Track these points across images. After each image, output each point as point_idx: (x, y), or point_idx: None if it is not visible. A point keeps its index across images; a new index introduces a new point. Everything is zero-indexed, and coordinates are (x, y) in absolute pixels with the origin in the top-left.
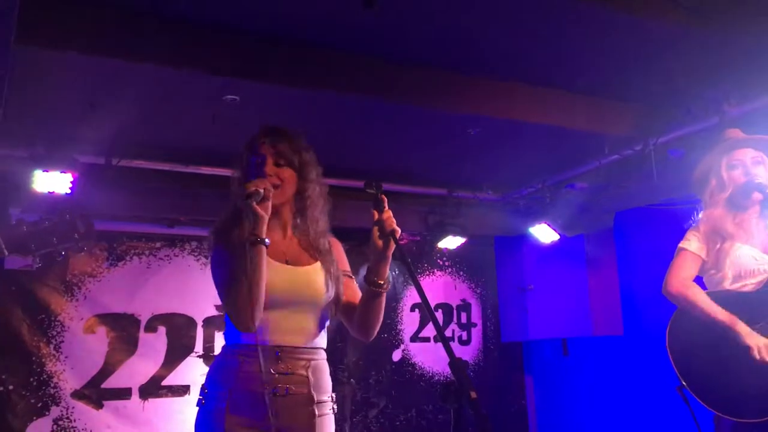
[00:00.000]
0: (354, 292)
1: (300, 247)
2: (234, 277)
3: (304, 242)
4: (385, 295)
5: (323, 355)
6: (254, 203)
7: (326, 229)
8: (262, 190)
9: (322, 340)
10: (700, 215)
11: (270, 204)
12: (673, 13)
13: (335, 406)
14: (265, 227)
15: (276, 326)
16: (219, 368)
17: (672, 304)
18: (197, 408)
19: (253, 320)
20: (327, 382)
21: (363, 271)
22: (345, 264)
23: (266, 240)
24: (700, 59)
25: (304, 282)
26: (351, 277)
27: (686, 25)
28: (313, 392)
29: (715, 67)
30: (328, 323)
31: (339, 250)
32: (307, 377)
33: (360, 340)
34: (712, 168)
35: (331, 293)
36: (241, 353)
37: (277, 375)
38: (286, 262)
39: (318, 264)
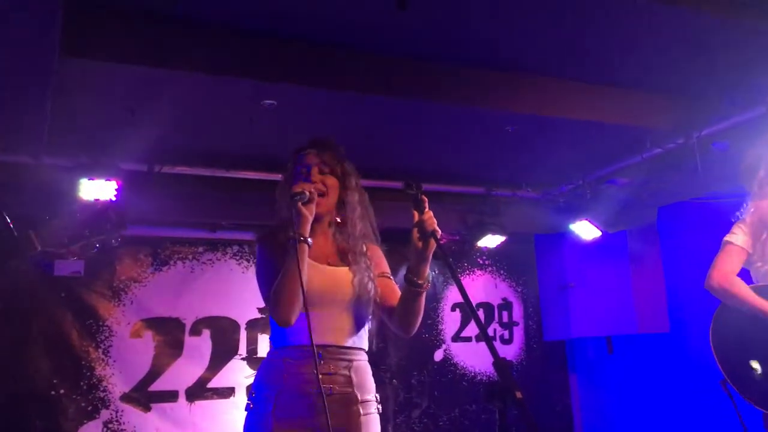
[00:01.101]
0: (393, 291)
1: (339, 250)
2: (276, 273)
3: (344, 246)
4: (425, 294)
5: (365, 356)
6: (300, 203)
7: (364, 233)
8: (308, 192)
9: (362, 340)
10: (748, 206)
11: (314, 206)
12: (716, 2)
13: (380, 407)
14: (309, 227)
15: (317, 326)
16: (265, 371)
17: (719, 301)
18: (246, 412)
19: (293, 314)
20: (370, 382)
21: (403, 271)
22: (384, 266)
23: (309, 240)
24: (743, 48)
25: (343, 282)
26: (389, 277)
27: (728, 13)
28: (356, 392)
29: (760, 55)
30: (368, 325)
31: (377, 253)
32: (350, 377)
33: (401, 340)
34: (762, 158)
35: (369, 295)
36: (287, 355)
37: (321, 375)
38: (327, 264)
39: (356, 266)
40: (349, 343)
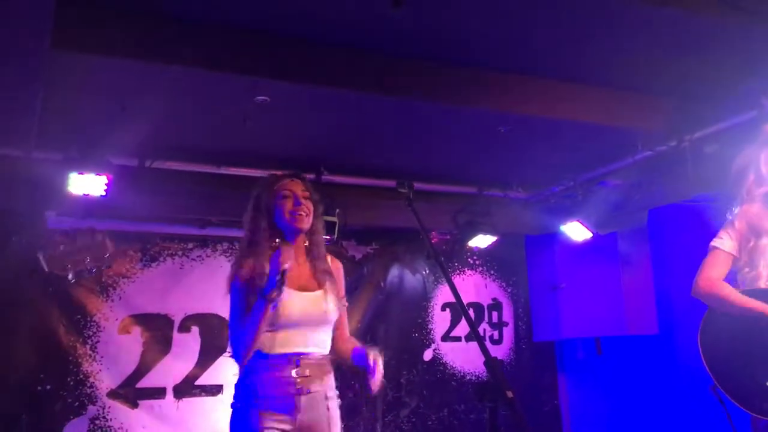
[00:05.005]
0: (342, 318)
1: (310, 273)
2: (241, 314)
3: (313, 268)
4: None
5: (329, 359)
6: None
7: (324, 254)
8: (287, 266)
9: (328, 347)
10: (736, 211)
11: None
12: (709, 5)
13: (339, 401)
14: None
15: (296, 341)
16: (249, 375)
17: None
18: (231, 410)
19: (246, 358)
20: (333, 381)
21: (396, 270)
22: (341, 290)
23: (275, 302)
24: (736, 51)
25: (316, 305)
26: (343, 304)
27: (721, 17)
28: (326, 391)
29: (752, 59)
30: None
31: (339, 273)
32: (321, 378)
33: (390, 339)
34: (751, 162)
35: (336, 312)
36: (270, 362)
37: (299, 379)
38: (299, 288)
39: (326, 287)
40: (320, 351)
